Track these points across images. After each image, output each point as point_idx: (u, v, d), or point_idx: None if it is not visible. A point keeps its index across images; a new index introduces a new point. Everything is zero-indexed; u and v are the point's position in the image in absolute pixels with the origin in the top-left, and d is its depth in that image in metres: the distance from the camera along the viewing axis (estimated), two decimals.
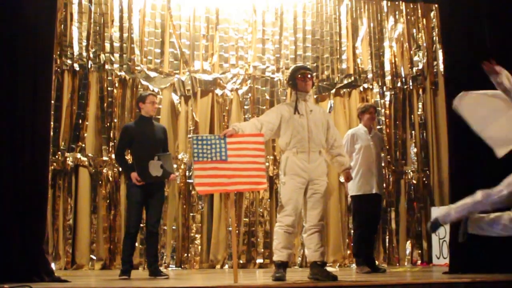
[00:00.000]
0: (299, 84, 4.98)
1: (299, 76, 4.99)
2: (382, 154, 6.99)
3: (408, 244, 8.29)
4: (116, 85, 7.66)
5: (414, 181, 8.48)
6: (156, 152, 5.57)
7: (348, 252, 8.02)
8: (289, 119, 4.88)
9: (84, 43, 7.58)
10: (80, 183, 7.37)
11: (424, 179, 8.51)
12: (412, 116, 8.66)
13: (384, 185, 7.78)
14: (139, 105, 5.83)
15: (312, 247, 4.83)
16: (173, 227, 7.57)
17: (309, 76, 5.00)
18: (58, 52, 7.28)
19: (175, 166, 7.56)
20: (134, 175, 5.52)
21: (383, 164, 7.17)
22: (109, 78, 7.62)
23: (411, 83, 8.70)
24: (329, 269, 7.02)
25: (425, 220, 8.37)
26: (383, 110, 8.48)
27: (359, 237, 6.21)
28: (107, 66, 7.61)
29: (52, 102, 5.83)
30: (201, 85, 7.92)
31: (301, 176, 4.79)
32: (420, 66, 8.74)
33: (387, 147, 8.35)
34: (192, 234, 7.57)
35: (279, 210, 4.87)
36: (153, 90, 7.61)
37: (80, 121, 7.42)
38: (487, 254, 5.59)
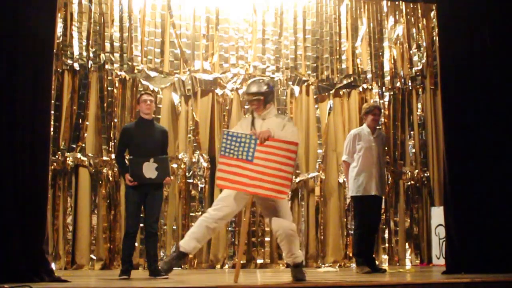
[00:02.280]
0: (250, 106, 4.98)
1: (247, 101, 4.99)
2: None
3: (408, 244, 8.30)
4: (116, 85, 7.66)
5: (413, 182, 8.48)
6: (153, 154, 5.53)
7: (348, 252, 8.03)
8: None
9: (84, 43, 7.58)
10: (80, 183, 7.37)
11: (423, 179, 8.52)
12: (411, 116, 8.67)
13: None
14: (137, 107, 5.89)
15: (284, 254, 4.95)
16: (173, 227, 7.57)
17: (254, 101, 4.84)
18: (58, 52, 7.27)
19: (175, 166, 7.57)
20: (127, 176, 5.53)
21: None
22: (109, 78, 7.63)
23: (410, 84, 8.70)
24: (329, 269, 7.07)
25: (425, 220, 8.40)
26: (382, 111, 8.48)
27: (359, 237, 6.20)
28: (107, 66, 7.62)
29: (52, 102, 5.83)
30: (201, 85, 7.92)
31: None
32: (420, 67, 8.74)
33: (386, 148, 8.35)
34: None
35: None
36: (153, 90, 7.62)
37: (80, 121, 7.42)
38: (484, 254, 5.60)
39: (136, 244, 6.71)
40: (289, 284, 4.54)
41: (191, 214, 7.62)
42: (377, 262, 6.68)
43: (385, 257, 8.19)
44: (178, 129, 7.79)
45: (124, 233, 5.85)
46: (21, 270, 4.50)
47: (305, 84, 8.35)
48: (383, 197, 6.81)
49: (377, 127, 6.48)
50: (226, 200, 4.74)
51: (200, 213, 7.62)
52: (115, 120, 7.57)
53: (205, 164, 7.70)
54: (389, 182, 8.28)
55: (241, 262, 7.53)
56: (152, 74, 7.79)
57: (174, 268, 4.93)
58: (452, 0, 6.17)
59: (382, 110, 8.44)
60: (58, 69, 7.34)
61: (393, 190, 8.40)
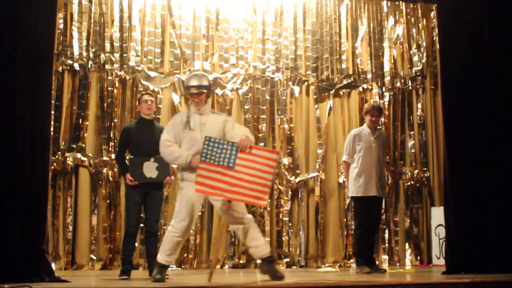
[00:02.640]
0: (190, 100, 4.90)
1: (187, 94, 4.90)
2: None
3: (408, 245, 8.30)
4: (116, 85, 7.67)
5: (413, 182, 8.47)
6: (153, 153, 5.52)
7: (348, 252, 8.02)
8: (180, 132, 4.77)
9: (84, 43, 7.58)
10: (80, 183, 7.37)
11: (423, 179, 8.51)
12: (411, 116, 8.66)
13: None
14: (138, 107, 5.92)
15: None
16: None
17: (196, 95, 4.78)
18: (58, 52, 7.27)
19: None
20: (127, 175, 5.55)
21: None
22: (109, 78, 7.63)
23: (410, 84, 8.70)
24: (329, 269, 7.07)
25: (425, 221, 8.39)
26: (382, 112, 8.47)
27: (359, 237, 6.19)
28: (107, 66, 7.62)
29: (52, 102, 5.83)
30: None
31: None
32: (420, 67, 8.73)
33: (386, 149, 8.34)
34: (192, 234, 7.56)
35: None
36: (153, 90, 7.62)
37: (80, 121, 7.42)
38: (484, 254, 5.60)
39: (136, 244, 6.71)
40: (289, 284, 4.53)
41: None
42: (377, 262, 6.68)
43: (385, 257, 8.19)
44: None
45: (124, 233, 5.86)
46: (21, 270, 4.51)
47: (305, 84, 8.35)
48: (383, 198, 6.80)
49: (378, 127, 6.48)
50: (186, 209, 4.68)
51: (200, 213, 7.63)
52: (115, 120, 7.57)
53: None
54: (389, 182, 8.27)
55: (241, 262, 7.63)
56: (152, 74, 7.79)
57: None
58: (452, 0, 6.17)
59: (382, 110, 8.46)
60: (58, 69, 7.34)
61: (393, 190, 8.39)
